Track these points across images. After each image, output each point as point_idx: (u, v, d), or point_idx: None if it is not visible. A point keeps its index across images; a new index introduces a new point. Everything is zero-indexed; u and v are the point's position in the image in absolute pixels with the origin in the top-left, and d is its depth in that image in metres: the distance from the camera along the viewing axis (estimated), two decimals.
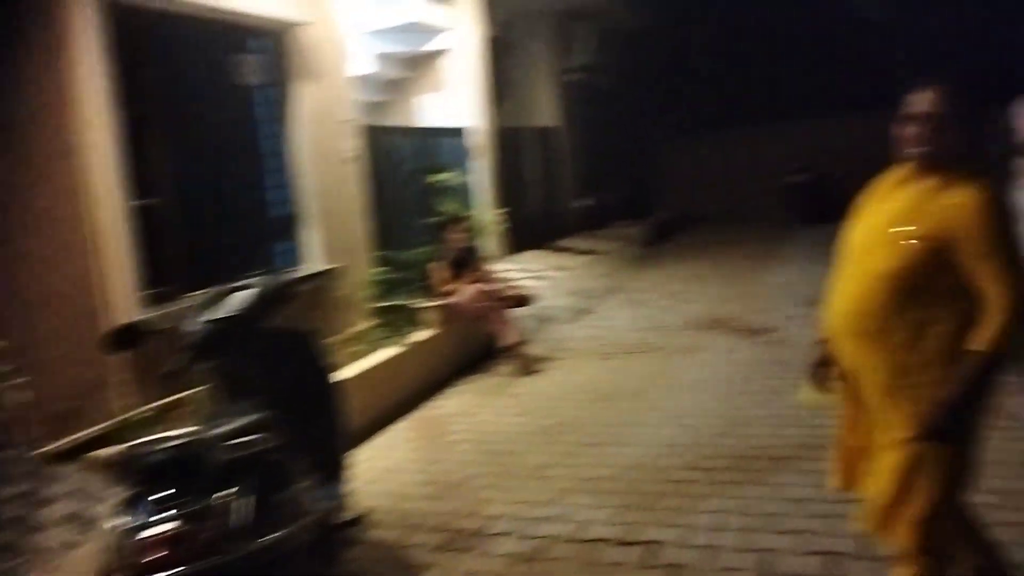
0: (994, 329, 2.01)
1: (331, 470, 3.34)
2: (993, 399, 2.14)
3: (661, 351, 6.20)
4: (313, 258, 6.19)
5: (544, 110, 12.31)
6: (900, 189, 2.22)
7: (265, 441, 2.59)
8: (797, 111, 14.34)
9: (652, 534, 3.32)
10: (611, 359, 6.14)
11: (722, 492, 3.64)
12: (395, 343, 5.63)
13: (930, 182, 2.13)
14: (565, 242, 11.46)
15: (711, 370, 5.52)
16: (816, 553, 3.02)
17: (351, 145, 6.67)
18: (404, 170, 8.23)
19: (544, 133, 12.09)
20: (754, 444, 4.15)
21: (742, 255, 10.49)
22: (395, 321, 5.90)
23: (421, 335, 5.94)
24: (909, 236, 2.10)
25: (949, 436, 2.09)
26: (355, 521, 3.45)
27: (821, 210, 12.72)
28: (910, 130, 2.16)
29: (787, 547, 3.09)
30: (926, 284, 2.09)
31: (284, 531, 2.47)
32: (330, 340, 5.75)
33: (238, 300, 3.10)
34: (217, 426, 2.60)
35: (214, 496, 2.32)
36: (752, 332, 6.42)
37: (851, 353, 2.28)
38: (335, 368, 4.91)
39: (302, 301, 5.44)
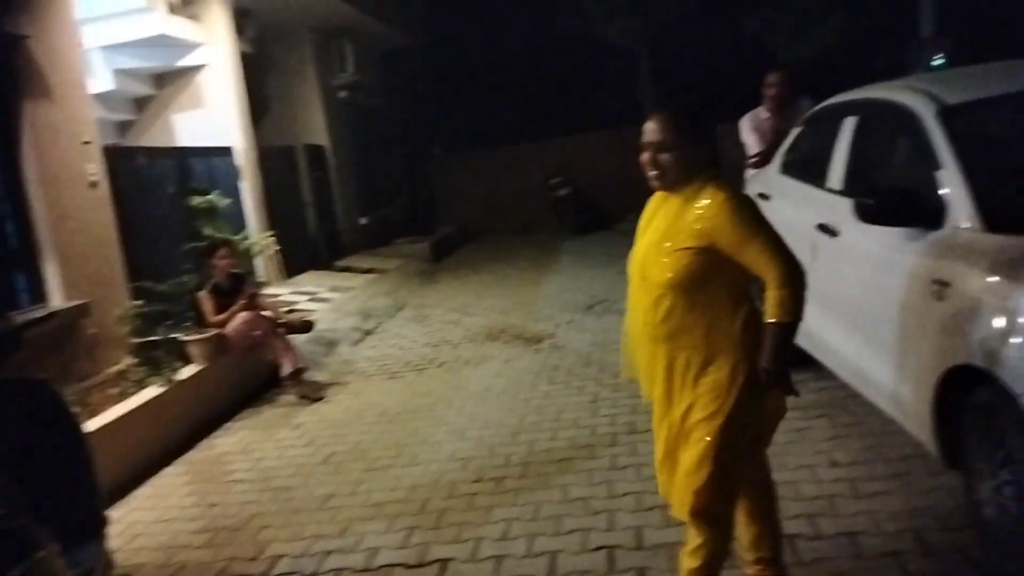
0: (776, 301, 2.20)
1: (85, 530, 3.00)
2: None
3: (446, 366, 6.24)
4: (54, 294, 5.54)
5: (313, 128, 12.04)
6: (662, 207, 2.42)
7: None
8: (556, 128, 15.30)
9: (442, 552, 3.31)
10: (397, 378, 6.08)
11: (508, 500, 3.70)
12: (160, 381, 5.18)
13: (679, 197, 2.33)
14: (345, 262, 11.25)
15: (495, 381, 5.64)
16: (599, 548, 3.15)
17: (95, 168, 6.07)
18: (162, 193, 7.65)
19: (315, 151, 11.81)
20: (537, 449, 4.27)
21: (520, 266, 10.89)
22: (159, 358, 5.43)
23: (189, 370, 5.51)
24: (676, 248, 2.29)
25: (788, 382, 2.30)
26: None
27: (586, 220, 13.65)
28: (645, 157, 2.35)
29: (571, 546, 3.20)
30: (705, 286, 2.28)
31: None
32: (83, 384, 5.20)
33: None
34: None
35: None
36: (532, 340, 6.65)
37: (656, 355, 2.42)
38: (86, 415, 4.46)
39: (43, 343, 4.87)
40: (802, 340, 4.26)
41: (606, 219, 13.79)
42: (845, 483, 3.39)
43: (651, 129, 2.32)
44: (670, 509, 2.55)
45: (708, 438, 2.30)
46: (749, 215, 2.22)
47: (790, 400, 4.08)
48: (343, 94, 12.76)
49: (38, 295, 5.55)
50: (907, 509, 3.11)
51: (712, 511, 2.36)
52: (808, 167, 4.49)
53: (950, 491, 3.12)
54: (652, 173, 2.35)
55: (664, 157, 2.30)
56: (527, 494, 3.74)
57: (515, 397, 5.20)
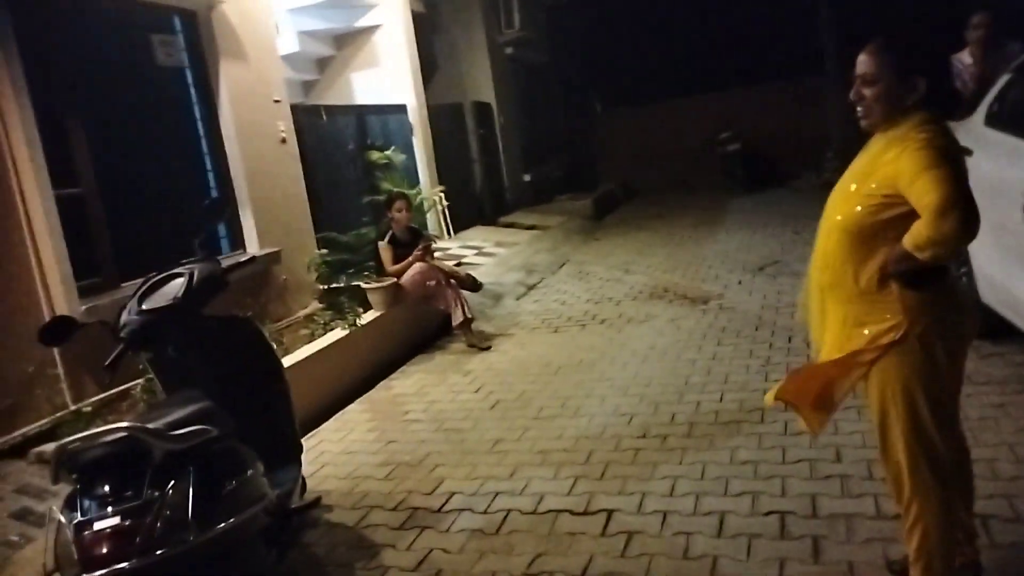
0: (913, 235, 1.99)
1: (284, 455, 3.30)
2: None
3: (609, 322, 6.25)
4: (250, 242, 6.04)
5: (480, 85, 12.22)
6: (866, 148, 2.26)
7: (209, 430, 2.53)
8: (725, 80, 14.55)
9: (608, 503, 3.35)
10: (560, 332, 6.17)
11: (674, 458, 3.69)
12: (343, 325, 5.55)
13: (883, 137, 2.17)
14: (509, 218, 11.45)
15: (658, 339, 5.59)
16: (770, 513, 3.08)
17: (284, 125, 6.51)
18: (343, 149, 8.09)
19: (481, 108, 12.01)
20: (702, 410, 4.22)
21: (685, 224, 10.63)
22: (342, 303, 5.82)
23: (370, 316, 5.86)
24: (857, 190, 2.16)
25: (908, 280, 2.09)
26: (312, 504, 3.43)
27: (757, 177, 12.99)
28: (855, 91, 2.20)
29: (741, 509, 3.15)
30: (874, 239, 2.12)
31: (235, 519, 2.44)
32: (276, 325, 5.67)
33: (173, 288, 3.03)
34: (158, 418, 2.55)
35: (156, 489, 2.28)
36: (698, 300, 6.52)
37: (822, 304, 2.32)
38: (281, 352, 4.86)
39: (242, 287, 5.33)
40: (1004, 308, 3.93)
41: (779, 176, 13.11)
42: None
43: (859, 61, 2.19)
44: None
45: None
46: (934, 153, 1.98)
47: (988, 373, 3.79)
48: (509, 50, 12.86)
49: (237, 242, 6.09)
50: None
51: (895, 475, 2.25)
52: (1019, 119, 4.07)
53: None
54: (859, 109, 2.21)
55: (868, 91, 2.16)
56: (693, 453, 3.71)
57: (680, 357, 5.14)
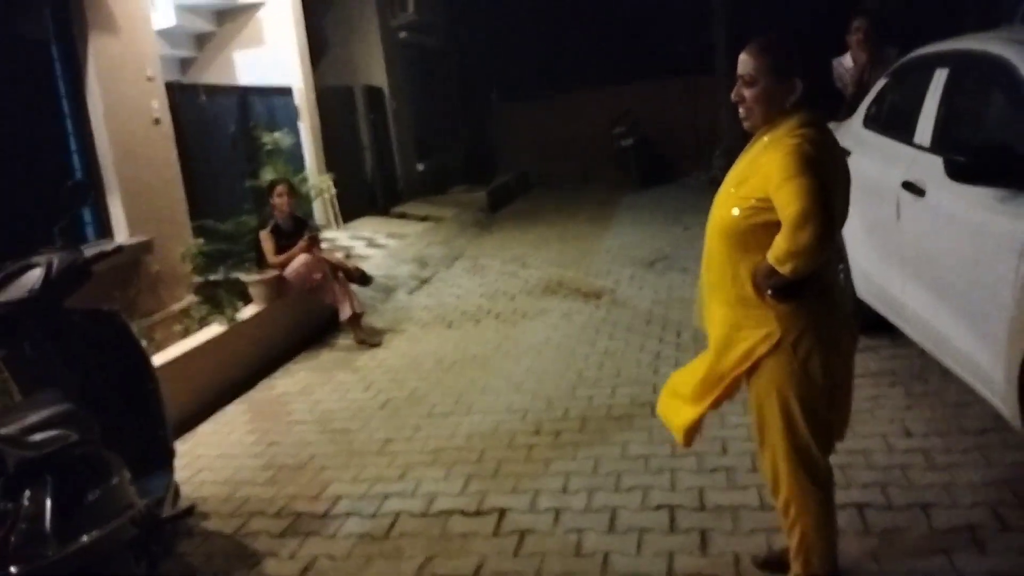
0: (776, 246, 1.99)
1: (154, 460, 3.09)
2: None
3: (503, 317, 6.20)
4: (118, 230, 5.63)
5: (372, 69, 11.91)
6: (748, 149, 2.24)
7: (69, 435, 2.32)
8: (620, 74, 14.74)
9: (500, 502, 3.30)
10: (454, 327, 6.08)
11: (567, 454, 3.67)
12: (221, 320, 5.25)
13: (763, 138, 2.17)
14: (401, 208, 11.25)
15: (552, 334, 5.59)
16: (660, 507, 3.10)
17: (158, 104, 6.10)
18: (223, 132, 7.69)
19: (373, 93, 11.71)
20: (595, 404, 4.23)
21: (580, 218, 10.72)
22: (220, 296, 5.51)
23: (250, 310, 5.58)
24: (736, 192, 2.15)
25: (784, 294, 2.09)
26: (185, 513, 3.18)
27: (650, 172, 13.25)
28: (736, 92, 2.20)
29: (632, 503, 3.16)
30: (753, 242, 2.11)
31: (99, 531, 2.28)
32: (148, 319, 5.31)
33: (30, 279, 2.79)
34: (11, 422, 2.35)
35: (10, 501, 2.10)
36: (591, 295, 6.56)
37: (709, 304, 2.32)
38: (152, 349, 4.55)
39: (109, 278, 4.96)
40: (878, 303, 4.12)
41: (672, 172, 13.41)
42: (919, 453, 3.26)
43: (740, 61, 2.17)
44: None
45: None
46: (800, 161, 1.97)
47: (863, 367, 3.95)
48: (403, 34, 12.60)
49: (104, 230, 5.66)
50: (984, 483, 2.99)
51: (773, 477, 2.29)
52: (894, 121, 4.27)
53: None
54: (741, 110, 2.20)
55: (748, 91, 2.15)
56: (586, 449, 3.70)
57: (573, 352, 5.14)
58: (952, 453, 3.24)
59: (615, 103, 14.33)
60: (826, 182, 1.98)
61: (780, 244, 1.98)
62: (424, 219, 10.55)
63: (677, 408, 2.43)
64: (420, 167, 13.01)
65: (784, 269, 1.99)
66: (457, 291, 7.25)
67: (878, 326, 4.18)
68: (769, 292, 2.08)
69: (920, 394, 3.81)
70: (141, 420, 3.12)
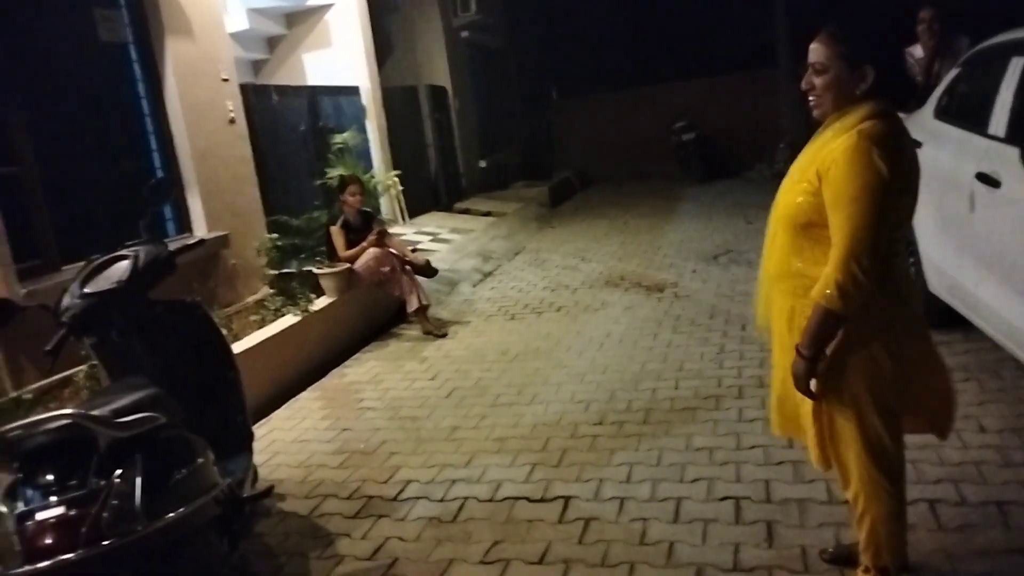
0: (824, 280, 2.00)
1: (234, 443, 3.22)
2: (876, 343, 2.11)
3: (565, 310, 6.25)
4: (197, 225, 5.87)
5: (436, 68, 12.07)
6: (816, 137, 2.21)
7: (156, 418, 2.45)
8: (681, 70, 14.63)
9: (564, 490, 3.35)
10: (516, 320, 6.15)
11: (631, 445, 3.70)
12: (295, 311, 5.43)
13: (831, 128, 2.13)
14: (464, 204, 11.38)
15: (614, 327, 5.61)
16: (725, 498, 3.11)
17: (233, 105, 6.32)
18: (294, 131, 7.92)
19: (437, 92, 11.87)
20: (658, 397, 4.24)
21: (640, 213, 10.69)
22: (293, 288, 5.70)
23: (322, 302, 5.76)
24: (803, 179, 2.12)
25: (807, 384, 2.11)
26: (264, 494, 3.32)
27: (711, 167, 13.14)
28: (806, 80, 2.17)
29: (697, 494, 3.17)
30: (814, 232, 2.10)
31: (185, 509, 2.37)
32: (225, 310, 5.53)
33: (117, 271, 2.92)
34: (102, 405, 2.46)
35: (102, 479, 2.20)
36: (653, 288, 6.56)
37: (771, 295, 2.31)
38: (230, 339, 4.74)
39: (190, 271, 5.18)
40: (952, 298, 4.03)
41: (732, 167, 13.26)
42: (993, 450, 3.19)
43: (810, 49, 2.15)
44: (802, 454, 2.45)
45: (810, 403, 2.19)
46: (866, 177, 1.94)
47: None
48: (465, 34, 12.72)
49: (184, 225, 5.91)
50: None
51: (843, 469, 2.26)
52: (967, 112, 4.17)
53: None
54: (810, 99, 2.17)
55: (818, 80, 2.12)
56: (649, 440, 3.73)
57: (636, 344, 5.16)
58: None
59: (674, 99, 14.26)
60: (884, 191, 1.95)
61: (829, 274, 1.98)
62: (486, 214, 10.66)
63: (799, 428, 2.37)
64: (482, 164, 13.13)
65: (833, 304, 1.98)
66: (519, 284, 7.32)
67: (952, 320, 4.09)
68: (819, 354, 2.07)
69: (995, 390, 3.72)
70: (222, 405, 3.25)
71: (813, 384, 2.14)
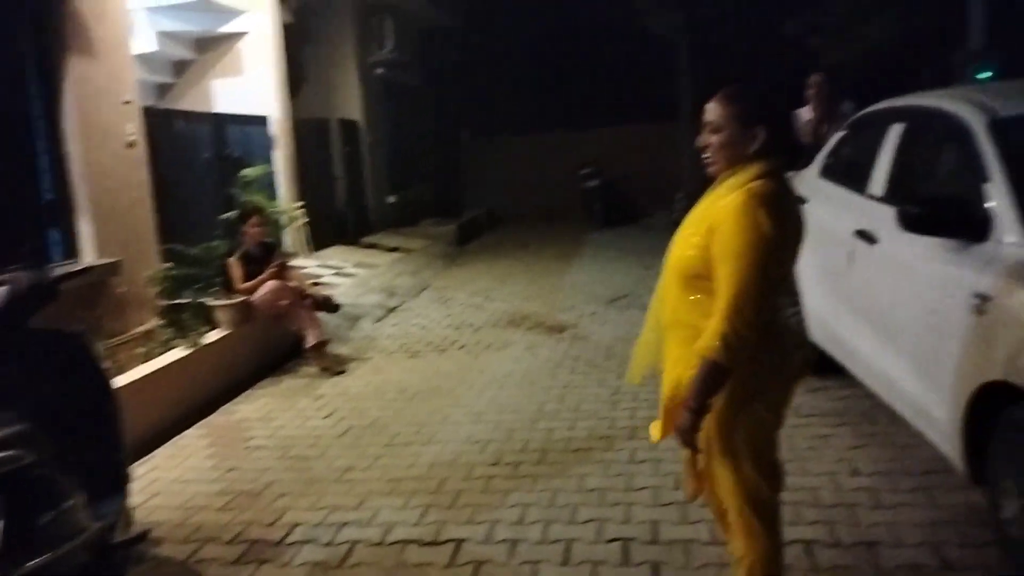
0: (709, 332, 2.04)
1: (109, 483, 3.04)
2: (763, 396, 2.19)
3: (467, 348, 6.25)
4: (87, 250, 5.60)
5: (348, 103, 12.05)
6: (709, 192, 2.28)
7: (22, 456, 2.29)
8: (589, 119, 15.19)
9: (457, 532, 3.31)
10: (418, 357, 6.10)
11: (525, 486, 3.70)
12: (186, 344, 5.23)
13: (724, 184, 2.21)
14: (372, 238, 11.29)
15: (515, 367, 5.64)
16: (614, 540, 3.14)
17: (133, 128, 6.11)
18: (197, 158, 7.71)
19: (348, 126, 11.83)
20: (554, 437, 4.27)
21: (546, 255, 10.86)
22: (186, 320, 5.49)
23: (215, 335, 5.56)
24: (695, 233, 2.20)
25: (692, 437, 2.14)
26: (139, 538, 3.15)
27: (614, 213, 13.59)
28: (702, 138, 2.26)
29: (587, 536, 3.19)
30: (703, 283, 2.15)
31: (52, 554, 2.23)
32: (111, 341, 5.26)
33: None
34: None
35: None
36: (554, 329, 6.64)
37: (666, 342, 2.36)
38: (114, 372, 4.51)
39: (75, 298, 4.92)
40: (830, 346, 4.24)
41: (634, 213, 13.74)
42: (866, 492, 3.35)
43: (707, 108, 2.23)
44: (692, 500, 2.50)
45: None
46: (752, 234, 2.01)
47: (814, 406, 4.05)
48: (380, 71, 12.75)
49: (71, 250, 5.62)
50: (928, 522, 3.07)
51: (723, 515, 2.33)
52: (849, 172, 4.43)
53: (973, 508, 3.08)
54: (705, 155, 2.25)
55: (714, 138, 2.20)
56: (544, 481, 3.74)
57: (535, 384, 5.20)
58: (898, 493, 3.33)
59: (583, 146, 14.77)
60: (768, 249, 2.02)
61: (714, 327, 2.03)
62: (393, 250, 10.60)
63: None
64: (392, 199, 13.09)
65: (718, 356, 2.02)
66: (423, 321, 7.28)
67: (829, 368, 4.30)
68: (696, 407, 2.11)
69: (868, 434, 3.92)
70: (98, 442, 3.08)
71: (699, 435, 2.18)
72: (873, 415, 4.10)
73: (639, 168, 14.56)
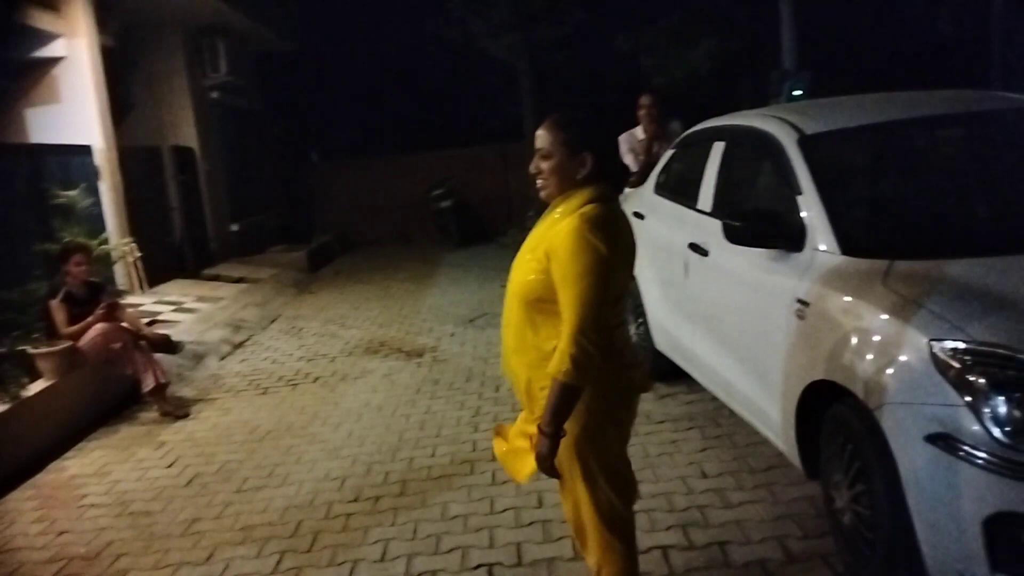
0: (558, 356, 2.07)
1: None
2: (607, 414, 2.24)
3: (322, 380, 6.05)
4: None
5: (182, 129, 11.48)
6: (545, 216, 2.31)
7: None
8: (437, 141, 15.30)
9: None
10: (269, 394, 5.84)
11: (386, 520, 3.61)
12: (4, 398, 4.74)
13: (558, 209, 2.25)
14: (214, 270, 10.77)
15: (373, 396, 5.52)
16: (479, 566, 3.12)
17: None
18: (12, 193, 7.07)
19: (182, 153, 11.26)
20: (415, 466, 4.20)
21: (401, 277, 10.75)
22: (4, 372, 4.97)
23: (38, 386, 5.08)
24: (533, 258, 2.22)
25: (551, 463, 2.16)
26: None
27: (468, 232, 13.71)
28: (534, 164, 2.29)
29: (452, 566, 3.15)
30: (544, 307, 2.19)
31: None
32: None
33: None
34: None
35: None
36: (412, 353, 6.57)
37: (512, 366, 2.37)
38: None
39: None
40: (674, 354, 4.44)
41: (488, 232, 13.89)
42: (714, 494, 3.51)
43: (536, 135, 2.27)
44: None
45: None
46: (588, 257, 2.06)
47: (664, 412, 4.22)
48: (215, 95, 12.23)
49: None
50: (772, 518, 3.26)
51: (580, 531, 2.37)
52: (680, 188, 4.67)
53: (811, 500, 3.30)
54: (538, 182, 2.29)
55: (544, 164, 2.24)
56: (405, 513, 3.67)
57: (394, 413, 5.11)
58: (744, 491, 3.52)
59: (433, 167, 14.79)
60: (604, 270, 2.07)
61: (563, 349, 2.06)
62: (239, 280, 10.14)
63: (519, 455, 2.37)
64: (234, 227, 12.54)
65: (569, 378, 2.05)
66: (273, 355, 6.99)
67: (677, 374, 4.50)
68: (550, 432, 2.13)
69: (714, 436, 4.12)
70: None
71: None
72: (717, 417, 4.32)
73: (490, 187, 14.78)
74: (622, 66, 13.34)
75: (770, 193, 3.67)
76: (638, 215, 4.80)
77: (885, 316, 2.49)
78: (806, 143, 3.37)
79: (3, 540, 3.81)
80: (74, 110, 8.54)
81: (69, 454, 4.90)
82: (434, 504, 3.72)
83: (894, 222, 3.25)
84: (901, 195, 3.45)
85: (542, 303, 2.19)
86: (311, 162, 16.38)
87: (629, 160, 5.90)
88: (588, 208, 2.15)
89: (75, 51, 8.49)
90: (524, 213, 13.09)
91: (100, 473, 4.57)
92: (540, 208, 2.40)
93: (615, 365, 2.23)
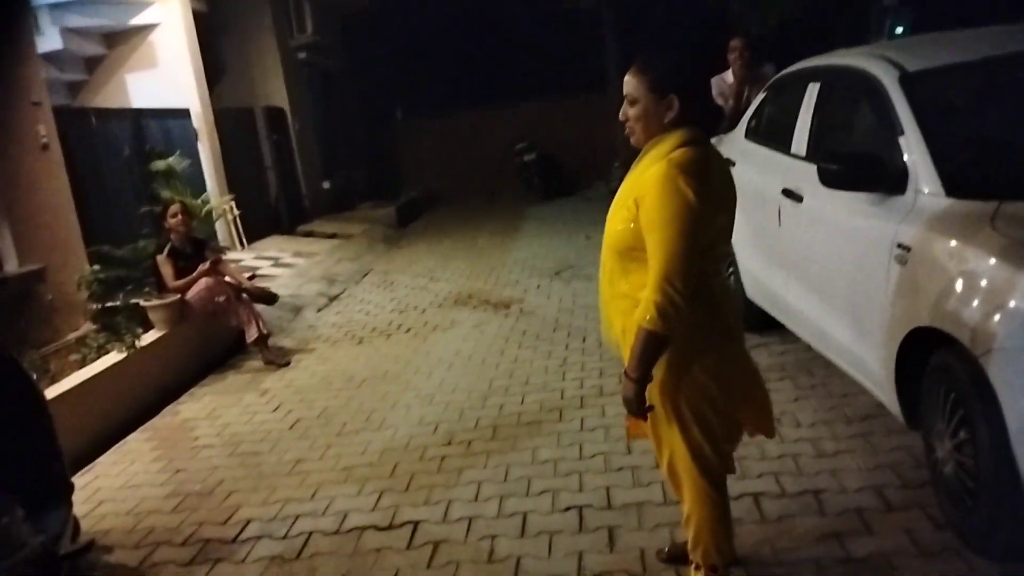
0: (644, 304, 2.06)
1: (51, 496, 2.97)
2: (702, 362, 2.21)
3: (414, 331, 6.22)
4: (7, 259, 5.38)
5: (272, 90, 11.79)
6: (635, 164, 2.27)
7: None
8: (521, 94, 15.14)
9: (412, 515, 3.32)
10: (364, 344, 6.06)
11: (479, 463, 3.73)
12: (120, 348, 5.08)
13: (647, 156, 2.21)
14: (308, 226, 11.12)
15: (463, 345, 5.64)
16: (568, 508, 3.19)
17: (45, 130, 5.87)
18: (118, 156, 7.46)
19: (274, 113, 11.58)
20: (505, 412, 4.30)
21: (487, 231, 10.84)
22: (119, 324, 5.32)
23: (151, 336, 5.42)
24: (624, 207, 2.21)
25: (638, 405, 2.17)
26: (85, 548, 3.09)
27: (552, 186, 13.62)
28: (622, 111, 2.26)
29: (542, 507, 3.23)
30: (640, 255, 2.16)
31: None
32: (42, 351, 5.09)
33: None
34: None
35: None
36: (500, 305, 6.66)
37: (609, 316, 2.38)
38: (47, 381, 4.37)
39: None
40: (766, 303, 4.35)
41: (572, 185, 13.80)
42: (808, 443, 3.46)
43: (624, 82, 2.24)
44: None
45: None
46: (675, 203, 2.03)
47: (756, 361, 4.15)
48: (302, 55, 12.48)
49: None
50: (869, 467, 3.19)
51: (673, 476, 2.38)
52: (773, 132, 4.52)
53: (910, 450, 3.22)
54: (626, 129, 2.26)
55: (631, 110, 2.21)
56: (497, 457, 3.77)
57: (483, 362, 5.21)
58: (839, 440, 3.45)
59: (517, 120, 14.72)
60: (693, 217, 2.04)
61: (648, 296, 2.06)
62: (332, 236, 10.45)
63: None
64: (326, 185, 12.89)
65: (653, 326, 2.05)
66: (367, 307, 7.22)
67: (768, 324, 4.42)
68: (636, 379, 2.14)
69: (808, 386, 4.05)
70: (33, 456, 3.00)
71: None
72: (811, 367, 4.23)
73: (574, 139, 14.63)
74: (712, 12, 12.86)
75: (869, 135, 3.52)
76: (728, 162, 4.68)
77: (993, 260, 2.38)
78: (908, 81, 3.20)
79: (127, 477, 4.12)
80: (171, 74, 8.90)
81: (182, 399, 5.24)
82: (524, 449, 3.81)
83: (1002, 162, 3.07)
84: (1009, 134, 3.24)
85: (633, 251, 2.18)
86: (396, 119, 16.57)
87: (718, 105, 5.75)
88: (678, 153, 2.10)
89: (168, 16, 8.80)
90: (610, 165, 12.94)
91: (211, 416, 4.87)
92: (627, 159, 2.37)
93: (706, 312, 2.20)
